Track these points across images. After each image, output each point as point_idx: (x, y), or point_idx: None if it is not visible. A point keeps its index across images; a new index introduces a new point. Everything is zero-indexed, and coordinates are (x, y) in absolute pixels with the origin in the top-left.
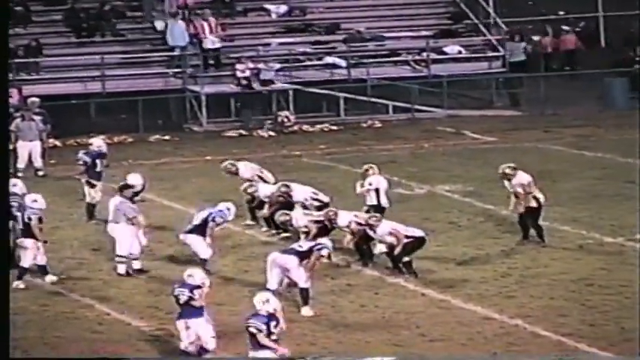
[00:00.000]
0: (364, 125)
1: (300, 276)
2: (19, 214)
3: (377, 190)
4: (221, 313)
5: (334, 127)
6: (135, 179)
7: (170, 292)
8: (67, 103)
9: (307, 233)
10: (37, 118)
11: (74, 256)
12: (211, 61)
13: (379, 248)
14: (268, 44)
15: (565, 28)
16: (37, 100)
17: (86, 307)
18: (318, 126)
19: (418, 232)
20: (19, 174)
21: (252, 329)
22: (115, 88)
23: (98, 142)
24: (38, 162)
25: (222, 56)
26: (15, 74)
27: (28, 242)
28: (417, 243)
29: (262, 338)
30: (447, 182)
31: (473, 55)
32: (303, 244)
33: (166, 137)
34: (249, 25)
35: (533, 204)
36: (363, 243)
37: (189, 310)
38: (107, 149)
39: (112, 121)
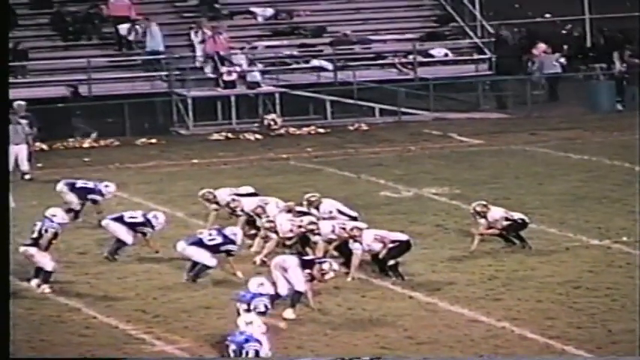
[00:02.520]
0: (351, 128)
1: (298, 278)
2: (38, 223)
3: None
4: (210, 316)
5: (321, 130)
6: None
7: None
8: (54, 106)
9: (289, 239)
10: (24, 121)
11: (60, 259)
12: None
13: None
14: (255, 47)
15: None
16: (23, 103)
17: (73, 310)
18: (305, 129)
19: (403, 237)
20: None
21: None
22: (102, 92)
23: None
24: (25, 166)
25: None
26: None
27: (32, 250)
28: (403, 247)
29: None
30: (433, 185)
31: (459, 58)
32: (310, 256)
33: (153, 140)
34: (236, 29)
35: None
36: (345, 247)
37: None
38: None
39: (98, 124)
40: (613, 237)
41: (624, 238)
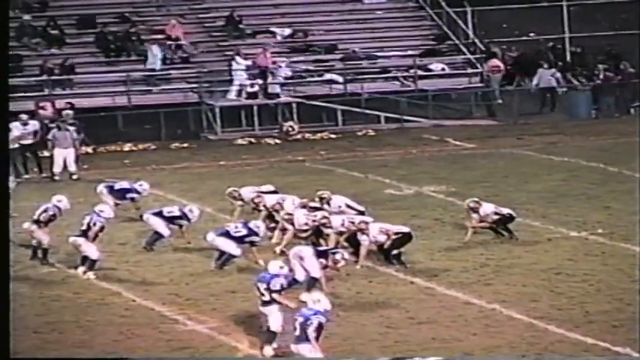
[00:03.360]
0: (359, 134)
1: (314, 265)
2: (87, 217)
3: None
4: (235, 299)
5: (333, 136)
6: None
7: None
8: (98, 115)
9: (305, 231)
10: (71, 128)
11: (104, 249)
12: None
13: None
14: (277, 63)
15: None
16: (71, 112)
17: (114, 294)
18: (319, 134)
19: (405, 229)
20: (56, 177)
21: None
22: (140, 102)
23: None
24: (72, 167)
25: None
26: (51, 89)
27: (80, 240)
28: (405, 238)
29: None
30: (432, 184)
31: (454, 72)
32: (323, 247)
33: (185, 145)
34: (258, 46)
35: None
36: (353, 238)
37: None
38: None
39: (137, 130)
40: (590, 229)
41: (600, 230)
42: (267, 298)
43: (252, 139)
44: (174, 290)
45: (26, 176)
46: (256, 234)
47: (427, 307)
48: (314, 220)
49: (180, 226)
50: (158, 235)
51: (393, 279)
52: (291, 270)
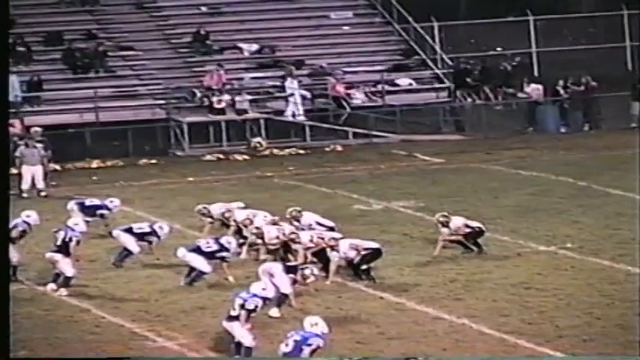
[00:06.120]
0: (328, 149)
1: (284, 282)
2: (61, 232)
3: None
4: (205, 316)
5: (301, 151)
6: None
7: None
8: (65, 131)
9: (273, 244)
10: (39, 145)
11: (73, 266)
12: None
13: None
14: (242, 78)
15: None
16: (39, 129)
17: (84, 311)
18: (287, 150)
19: (374, 244)
20: (24, 194)
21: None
22: (108, 118)
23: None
24: (40, 184)
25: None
26: (19, 106)
27: (57, 257)
28: (375, 253)
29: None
30: (401, 199)
31: (422, 87)
32: (292, 263)
33: (153, 161)
34: (225, 62)
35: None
36: (323, 254)
37: None
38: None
39: (105, 147)
40: (559, 243)
41: (569, 245)
42: (235, 313)
43: (221, 155)
44: (144, 307)
45: None
46: (227, 249)
47: (397, 323)
48: (284, 234)
49: (150, 242)
50: (128, 252)
51: (362, 294)
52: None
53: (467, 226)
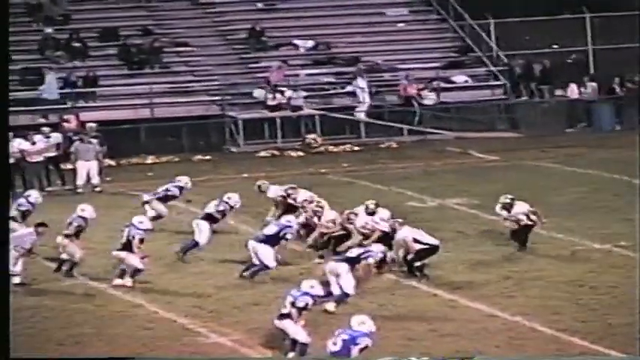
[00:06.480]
0: (382, 146)
1: (348, 283)
2: (126, 229)
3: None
4: (258, 312)
5: (356, 148)
6: None
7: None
8: (120, 127)
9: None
10: (94, 140)
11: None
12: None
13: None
14: (297, 75)
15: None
16: (94, 125)
17: (137, 306)
18: (342, 147)
19: (433, 241)
20: (79, 190)
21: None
22: (162, 114)
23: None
24: (95, 179)
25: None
26: (74, 102)
27: (122, 254)
28: (430, 250)
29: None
30: (455, 196)
31: (477, 84)
32: (354, 251)
33: (207, 157)
34: (281, 58)
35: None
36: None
37: None
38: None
39: (159, 143)
40: (613, 241)
41: (622, 243)
42: (286, 310)
43: (275, 152)
44: (198, 302)
45: (49, 189)
46: (289, 227)
47: (450, 320)
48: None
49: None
50: (195, 243)
51: (415, 291)
52: (326, 283)
53: (528, 217)
